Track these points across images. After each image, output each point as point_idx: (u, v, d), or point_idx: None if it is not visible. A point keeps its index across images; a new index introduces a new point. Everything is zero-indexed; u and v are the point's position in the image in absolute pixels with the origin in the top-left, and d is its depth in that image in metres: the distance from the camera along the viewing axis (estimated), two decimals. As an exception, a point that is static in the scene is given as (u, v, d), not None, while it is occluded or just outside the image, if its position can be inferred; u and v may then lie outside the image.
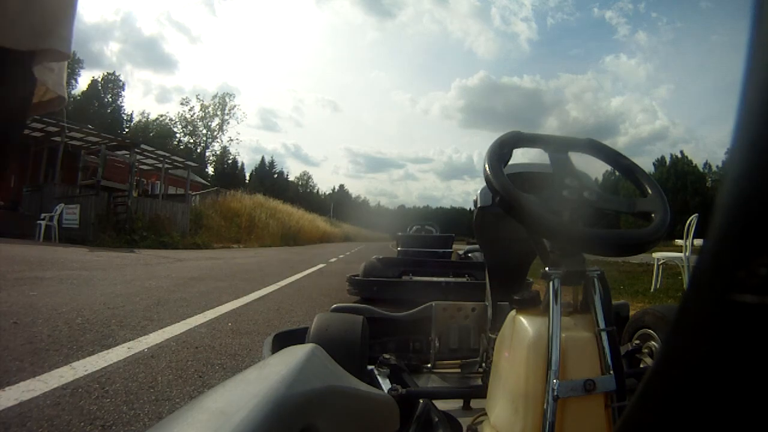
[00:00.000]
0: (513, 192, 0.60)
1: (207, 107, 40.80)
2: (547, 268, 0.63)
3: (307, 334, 0.97)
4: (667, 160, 41.81)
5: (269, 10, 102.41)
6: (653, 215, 0.64)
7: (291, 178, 61.64)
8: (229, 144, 45.21)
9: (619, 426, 0.22)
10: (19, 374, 1.40)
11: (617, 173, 0.74)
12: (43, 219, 8.45)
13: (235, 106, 42.24)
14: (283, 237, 17.08)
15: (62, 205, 9.00)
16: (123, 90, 38.60)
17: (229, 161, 45.07)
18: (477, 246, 3.16)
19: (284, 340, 1.04)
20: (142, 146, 12.09)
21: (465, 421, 0.81)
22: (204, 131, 40.78)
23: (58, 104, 0.65)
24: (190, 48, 77.12)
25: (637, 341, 1.04)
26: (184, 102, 51.30)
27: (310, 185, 64.41)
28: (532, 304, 0.65)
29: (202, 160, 36.46)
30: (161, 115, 46.48)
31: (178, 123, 40.22)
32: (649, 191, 0.68)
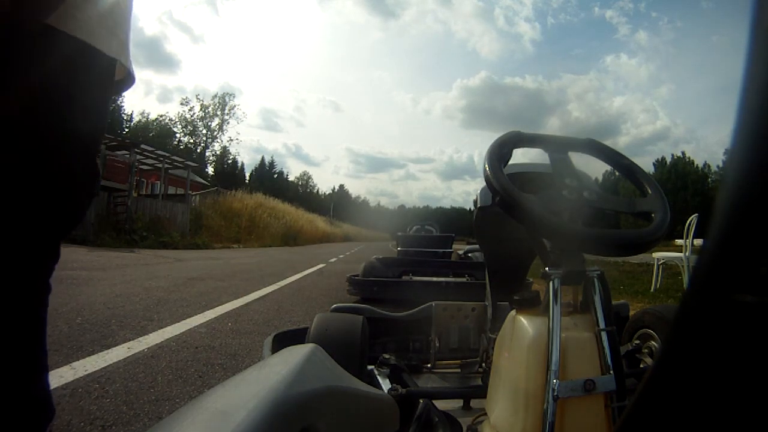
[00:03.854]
0: (513, 192, 0.60)
1: (207, 107, 40.79)
2: (547, 268, 0.63)
3: (307, 334, 0.97)
4: (668, 160, 41.83)
5: (272, 10, 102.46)
6: (653, 215, 0.64)
7: (291, 178, 61.62)
8: (229, 144, 45.26)
9: (619, 426, 0.22)
10: (19, 374, 1.40)
11: (617, 173, 0.74)
12: (43, 219, 8.45)
13: (235, 105, 42.22)
14: (283, 237, 17.07)
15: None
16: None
17: (229, 161, 45.05)
18: (477, 246, 3.16)
19: (284, 340, 1.04)
20: (142, 146, 12.08)
21: (465, 421, 0.81)
22: (204, 131, 40.78)
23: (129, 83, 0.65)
24: (192, 48, 76.99)
25: (637, 341, 1.04)
26: (184, 102, 51.22)
27: (310, 185, 64.39)
28: (532, 304, 0.65)
29: (202, 160, 36.42)
30: (161, 115, 46.50)
31: (178, 123, 40.22)
32: (649, 191, 0.68)
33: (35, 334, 0.52)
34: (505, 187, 0.61)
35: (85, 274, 3.92)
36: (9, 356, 0.49)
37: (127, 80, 0.64)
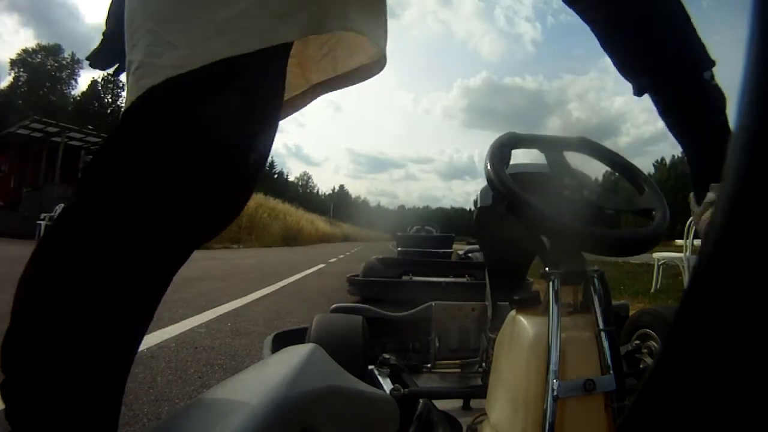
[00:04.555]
0: (516, 191, 0.61)
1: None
2: (546, 268, 0.63)
3: (307, 334, 0.97)
4: (668, 161, 41.82)
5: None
6: (654, 212, 0.64)
7: (291, 178, 61.74)
8: (229, 144, 45.07)
9: (619, 426, 0.22)
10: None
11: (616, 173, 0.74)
12: (42, 219, 8.45)
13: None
14: (283, 237, 17.07)
15: (62, 205, 8.93)
16: (123, 90, 38.57)
17: (229, 161, 44.86)
18: (477, 246, 3.15)
19: (284, 340, 1.04)
20: (142, 146, 12.05)
21: (465, 421, 0.81)
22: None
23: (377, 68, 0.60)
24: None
25: (637, 341, 1.04)
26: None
27: (310, 185, 64.45)
28: (532, 304, 0.65)
29: (202, 160, 36.25)
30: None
31: (178, 123, 40.20)
32: (646, 188, 0.68)
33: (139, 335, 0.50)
34: (509, 187, 0.61)
35: (85, 274, 3.90)
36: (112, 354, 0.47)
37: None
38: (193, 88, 0.44)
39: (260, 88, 0.49)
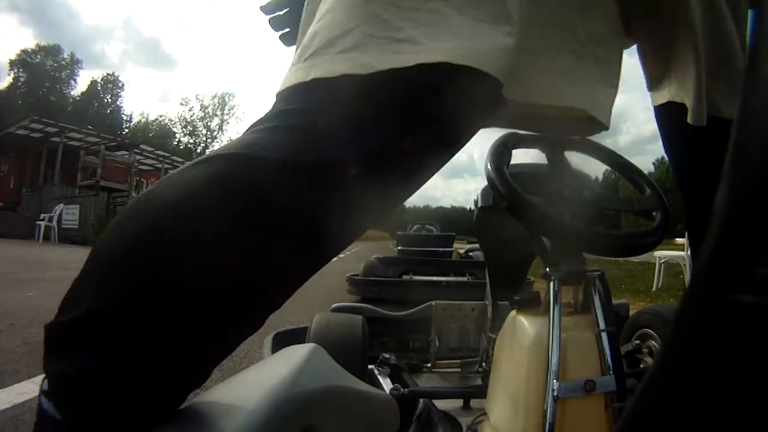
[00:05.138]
0: (516, 192, 0.61)
1: (206, 107, 40.79)
2: (547, 268, 0.63)
3: (307, 334, 0.97)
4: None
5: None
6: (654, 213, 0.64)
7: (291, 177, 61.54)
8: (229, 144, 45.07)
9: (619, 426, 0.22)
10: (14, 376, 1.39)
11: (617, 173, 0.74)
12: (42, 219, 8.47)
13: (234, 105, 42.16)
14: (283, 237, 17.08)
15: (61, 205, 9.01)
16: (122, 90, 38.56)
17: (229, 161, 44.81)
18: (477, 245, 3.16)
19: (284, 339, 1.04)
20: (142, 146, 12.10)
21: (465, 421, 0.81)
22: (204, 131, 40.80)
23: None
24: (193, 47, 77.01)
25: (637, 341, 1.04)
26: (184, 102, 51.38)
27: (310, 185, 64.29)
28: (532, 304, 0.65)
29: (202, 160, 36.24)
30: (161, 115, 46.65)
31: (177, 123, 40.28)
32: (647, 189, 0.68)
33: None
34: (509, 187, 0.61)
35: (86, 274, 3.90)
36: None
37: None
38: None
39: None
